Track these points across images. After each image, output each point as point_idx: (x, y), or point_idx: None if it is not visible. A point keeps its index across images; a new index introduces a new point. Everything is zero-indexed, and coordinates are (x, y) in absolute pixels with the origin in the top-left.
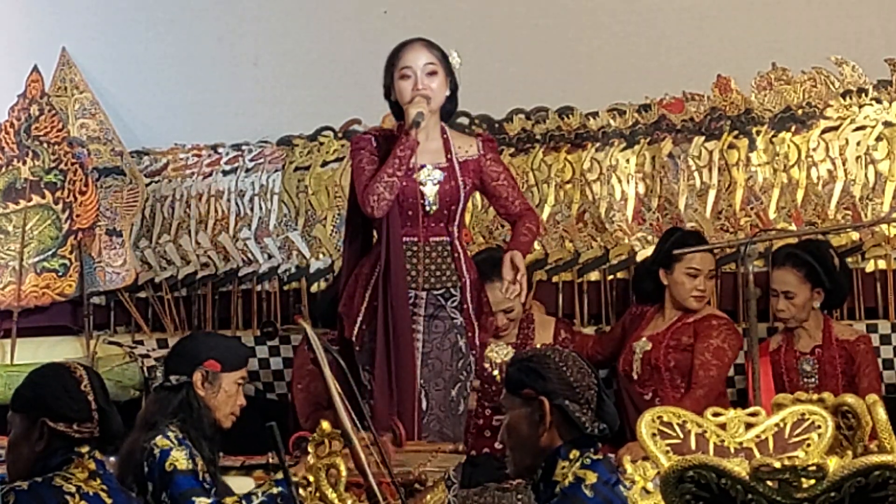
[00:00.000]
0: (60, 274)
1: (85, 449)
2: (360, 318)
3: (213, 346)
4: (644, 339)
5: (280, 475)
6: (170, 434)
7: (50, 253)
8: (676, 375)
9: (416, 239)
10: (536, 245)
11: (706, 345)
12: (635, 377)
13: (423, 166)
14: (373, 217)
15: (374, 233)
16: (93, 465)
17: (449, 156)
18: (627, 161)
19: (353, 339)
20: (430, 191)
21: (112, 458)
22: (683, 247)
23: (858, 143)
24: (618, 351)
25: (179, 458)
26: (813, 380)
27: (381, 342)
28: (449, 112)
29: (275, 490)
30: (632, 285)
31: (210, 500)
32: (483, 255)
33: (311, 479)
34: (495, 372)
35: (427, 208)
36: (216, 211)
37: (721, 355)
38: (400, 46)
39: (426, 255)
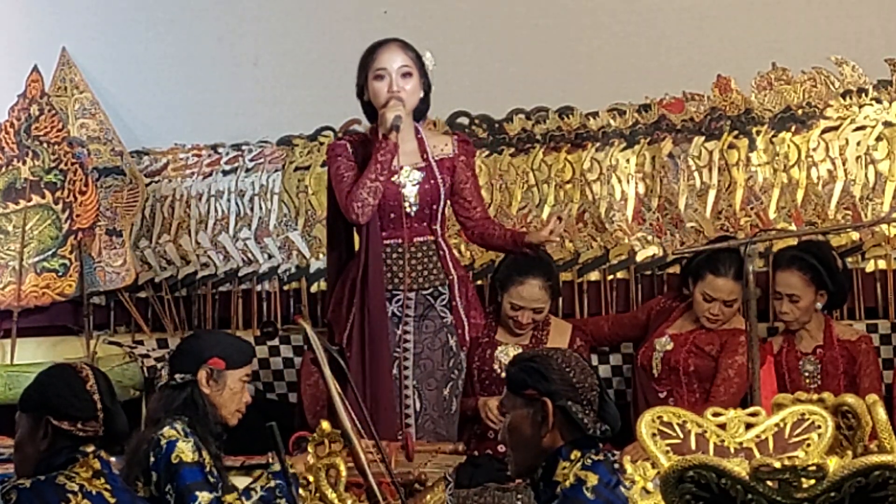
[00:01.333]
0: (60, 274)
1: (90, 448)
2: (349, 324)
3: (217, 344)
4: (667, 336)
5: (276, 467)
6: (177, 425)
7: (50, 253)
8: (694, 379)
9: (400, 241)
10: None
11: (731, 361)
12: (654, 374)
13: (401, 168)
14: (357, 223)
15: (357, 239)
16: (97, 465)
17: (425, 155)
18: (627, 161)
19: (343, 345)
20: (411, 192)
21: (114, 459)
22: (713, 262)
23: (858, 143)
24: (637, 336)
25: (185, 450)
26: (815, 379)
27: (356, 346)
28: (422, 112)
29: (272, 483)
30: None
31: (212, 496)
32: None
33: (311, 479)
34: (504, 374)
35: (408, 209)
36: (216, 211)
37: (744, 373)
38: (375, 47)
39: (412, 256)
